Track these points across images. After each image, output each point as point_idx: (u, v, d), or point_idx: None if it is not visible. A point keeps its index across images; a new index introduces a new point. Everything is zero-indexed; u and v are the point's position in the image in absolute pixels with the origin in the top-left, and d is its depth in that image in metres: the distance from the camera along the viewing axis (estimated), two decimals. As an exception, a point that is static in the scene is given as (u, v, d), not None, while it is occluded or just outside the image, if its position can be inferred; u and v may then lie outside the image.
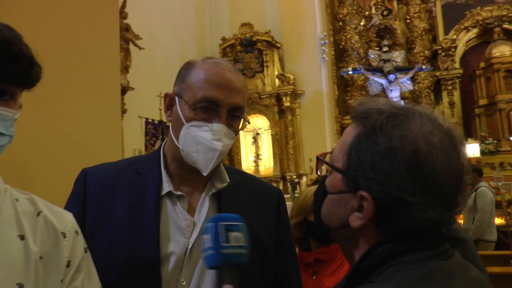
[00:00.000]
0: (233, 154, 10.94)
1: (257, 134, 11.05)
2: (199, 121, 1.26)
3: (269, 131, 10.95)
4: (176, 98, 1.32)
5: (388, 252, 0.85)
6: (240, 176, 1.46)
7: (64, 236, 1.04)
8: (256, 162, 10.93)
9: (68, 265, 1.03)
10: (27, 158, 1.73)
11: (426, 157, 0.82)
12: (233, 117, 1.30)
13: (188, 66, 1.34)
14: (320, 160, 1.05)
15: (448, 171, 0.84)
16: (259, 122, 11.13)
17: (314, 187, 1.70)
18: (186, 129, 1.27)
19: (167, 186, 1.31)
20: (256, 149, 11.01)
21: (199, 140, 1.25)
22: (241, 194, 1.40)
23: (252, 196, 1.43)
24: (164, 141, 1.42)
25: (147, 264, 1.22)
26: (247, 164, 11.06)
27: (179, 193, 1.31)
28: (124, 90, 7.67)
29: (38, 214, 1.03)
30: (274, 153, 10.80)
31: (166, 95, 1.36)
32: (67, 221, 1.08)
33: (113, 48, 2.41)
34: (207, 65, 1.31)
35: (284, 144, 10.87)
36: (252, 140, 11.07)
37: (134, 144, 8.10)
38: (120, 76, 2.69)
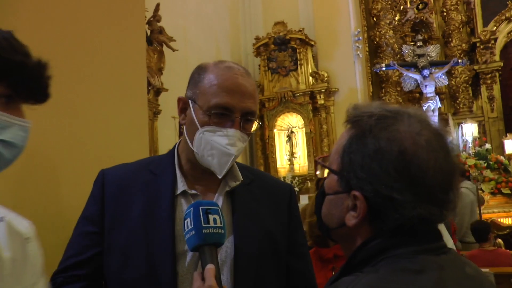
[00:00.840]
0: (268, 153, 10.92)
1: (292, 132, 10.99)
2: (213, 126, 1.30)
3: (303, 129, 10.82)
4: (190, 102, 1.36)
5: (380, 246, 0.89)
6: (253, 174, 1.50)
7: (29, 241, 1.08)
8: (290, 160, 10.88)
9: (34, 269, 1.07)
10: (53, 160, 1.80)
11: (413, 157, 0.86)
12: (246, 121, 1.34)
13: (200, 71, 1.37)
14: (318, 163, 1.10)
15: (434, 170, 0.87)
16: (293, 121, 11.05)
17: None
18: (200, 133, 1.31)
19: (181, 185, 1.36)
20: (291, 148, 10.95)
21: (214, 145, 1.29)
22: (254, 192, 1.45)
23: (265, 193, 1.47)
24: (178, 141, 1.46)
25: (163, 260, 1.27)
26: (281, 163, 11.01)
27: (193, 192, 1.36)
28: (159, 91, 7.82)
29: (1, 219, 1.06)
30: (308, 151, 10.69)
31: (179, 99, 1.40)
32: (28, 226, 1.12)
33: (139, 50, 2.46)
34: (219, 70, 1.34)
35: (319, 142, 10.76)
36: (287, 138, 11.03)
37: (169, 144, 8.19)
38: (146, 78, 2.75)
